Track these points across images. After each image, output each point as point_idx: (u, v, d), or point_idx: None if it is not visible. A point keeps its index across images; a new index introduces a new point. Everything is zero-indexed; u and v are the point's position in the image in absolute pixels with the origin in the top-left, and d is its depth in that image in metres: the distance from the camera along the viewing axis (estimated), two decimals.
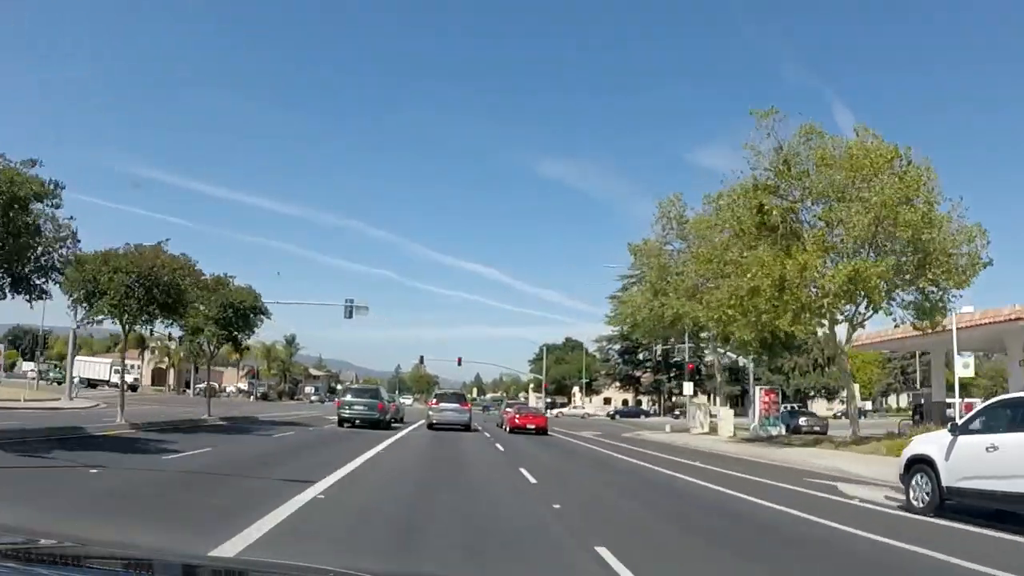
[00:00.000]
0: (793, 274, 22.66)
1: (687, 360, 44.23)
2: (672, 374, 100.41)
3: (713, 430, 35.57)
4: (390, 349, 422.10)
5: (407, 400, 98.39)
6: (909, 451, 12.31)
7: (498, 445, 24.07)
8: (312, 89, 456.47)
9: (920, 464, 11.72)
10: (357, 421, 30.33)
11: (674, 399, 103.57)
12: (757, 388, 31.04)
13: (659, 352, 71.74)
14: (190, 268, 21.14)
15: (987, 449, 10.29)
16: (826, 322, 24.89)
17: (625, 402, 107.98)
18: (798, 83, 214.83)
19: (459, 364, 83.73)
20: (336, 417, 30.99)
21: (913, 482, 11.79)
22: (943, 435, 11.62)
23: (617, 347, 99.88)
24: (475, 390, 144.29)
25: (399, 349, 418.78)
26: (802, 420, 34.95)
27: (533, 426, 33.25)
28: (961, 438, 10.99)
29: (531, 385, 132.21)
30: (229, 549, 6.32)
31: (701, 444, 29.04)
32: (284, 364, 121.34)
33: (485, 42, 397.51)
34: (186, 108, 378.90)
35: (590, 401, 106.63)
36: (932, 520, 10.88)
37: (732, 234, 25.00)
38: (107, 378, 75.70)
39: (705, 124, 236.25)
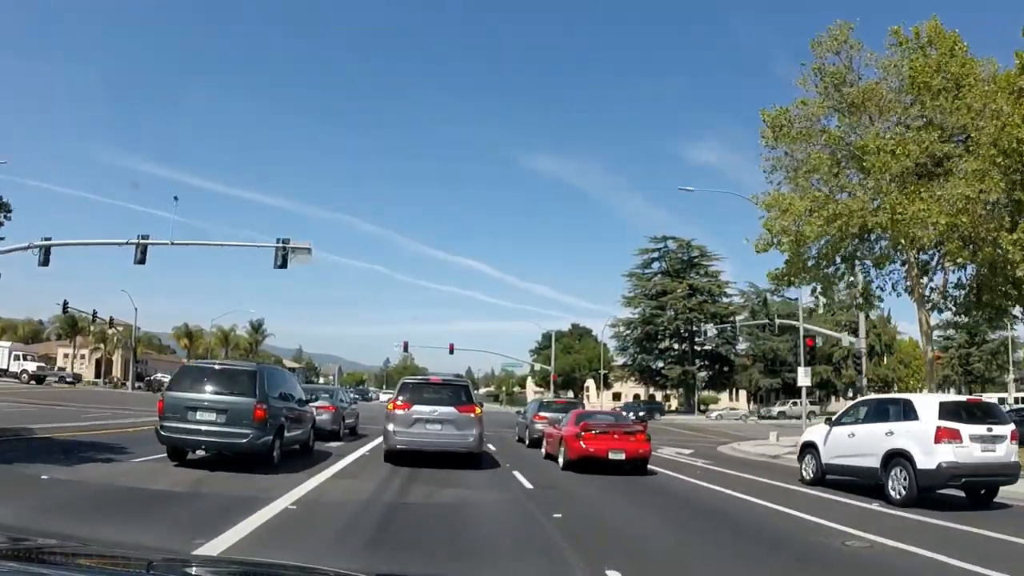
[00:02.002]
0: None
1: (804, 336, 28.97)
2: (699, 365, 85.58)
3: None
4: (382, 343, 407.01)
5: (387, 396, 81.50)
6: (802, 438, 16.22)
7: None
8: (304, 85, 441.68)
9: (809, 448, 15.45)
10: (204, 450, 13.69)
11: (701, 395, 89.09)
12: None
13: (709, 330, 56.58)
14: None
15: (848, 436, 13.99)
16: None
17: (636, 396, 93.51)
18: (792, 79, 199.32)
19: (451, 352, 68.77)
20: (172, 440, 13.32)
21: (804, 461, 15.55)
22: (824, 427, 15.37)
23: (637, 333, 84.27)
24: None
25: (390, 344, 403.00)
26: None
27: (623, 455, 15.46)
28: (834, 428, 14.68)
29: (530, 378, 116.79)
30: None
31: None
32: (248, 354, 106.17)
33: (480, 39, 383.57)
34: (179, 104, 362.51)
35: (598, 398, 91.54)
36: (811, 491, 13.73)
37: None
38: (6, 366, 61.24)
39: (698, 120, 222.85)
